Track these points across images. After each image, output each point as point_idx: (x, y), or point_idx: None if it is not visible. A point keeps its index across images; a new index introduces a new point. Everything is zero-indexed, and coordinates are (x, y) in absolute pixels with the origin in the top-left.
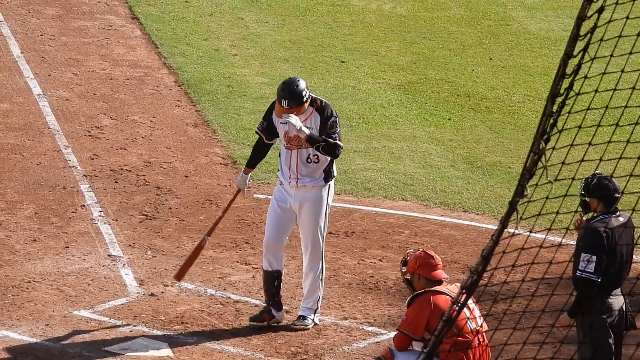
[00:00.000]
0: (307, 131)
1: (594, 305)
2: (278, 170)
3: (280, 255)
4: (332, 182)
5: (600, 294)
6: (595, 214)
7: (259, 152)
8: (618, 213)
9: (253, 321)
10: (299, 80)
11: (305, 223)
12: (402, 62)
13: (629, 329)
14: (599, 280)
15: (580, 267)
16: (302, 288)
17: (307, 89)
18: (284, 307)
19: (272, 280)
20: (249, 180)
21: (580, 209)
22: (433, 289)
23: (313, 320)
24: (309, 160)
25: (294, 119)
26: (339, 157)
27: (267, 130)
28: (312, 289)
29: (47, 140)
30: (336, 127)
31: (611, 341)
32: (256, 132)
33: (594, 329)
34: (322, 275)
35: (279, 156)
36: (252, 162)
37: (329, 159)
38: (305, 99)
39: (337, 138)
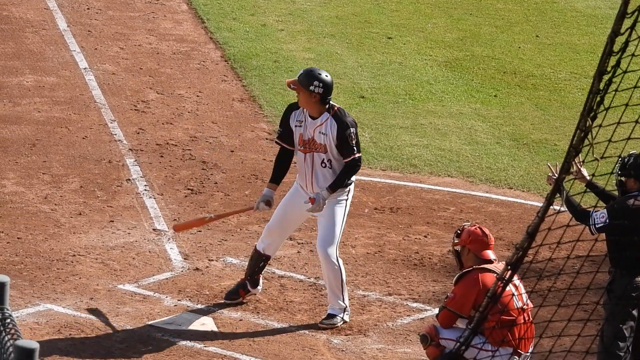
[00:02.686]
0: (326, 195)
1: (623, 285)
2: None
3: (278, 245)
4: (351, 187)
5: (629, 272)
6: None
7: (282, 162)
8: None
9: (228, 299)
10: (324, 75)
11: (322, 224)
12: (449, 39)
13: None
14: (594, 234)
15: (593, 217)
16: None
17: (326, 88)
18: (261, 283)
19: (259, 262)
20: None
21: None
22: (481, 266)
23: (342, 318)
24: (323, 164)
25: (322, 196)
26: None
27: (285, 136)
28: (333, 288)
29: (93, 114)
30: (354, 138)
31: (629, 325)
32: (275, 142)
33: (621, 308)
34: (340, 274)
35: (296, 163)
36: (277, 177)
37: (344, 163)
38: (312, 87)
39: (355, 151)
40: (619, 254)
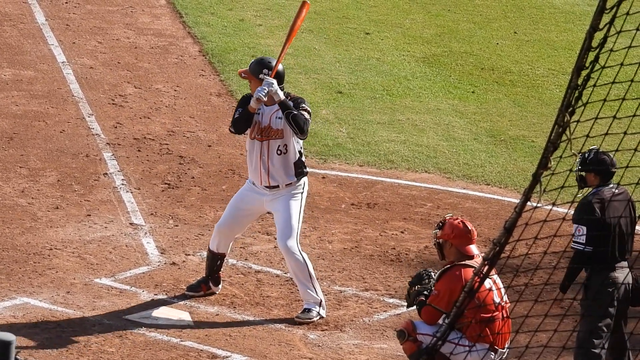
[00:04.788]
0: (281, 95)
1: (599, 279)
2: (249, 171)
3: (229, 242)
4: (305, 180)
5: (604, 268)
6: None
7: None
8: (611, 185)
9: (190, 291)
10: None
11: (279, 219)
12: (427, 35)
13: (636, 305)
14: (591, 250)
15: (574, 240)
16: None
17: (277, 76)
18: (222, 283)
19: (215, 261)
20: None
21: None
22: (463, 262)
23: (318, 313)
24: (279, 151)
25: (270, 81)
26: (306, 137)
27: None
28: (301, 280)
29: (70, 108)
30: (307, 111)
31: (606, 322)
32: (233, 122)
33: (597, 305)
34: (307, 268)
35: (247, 158)
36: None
37: (298, 150)
38: (261, 76)
39: (308, 117)
40: (593, 250)
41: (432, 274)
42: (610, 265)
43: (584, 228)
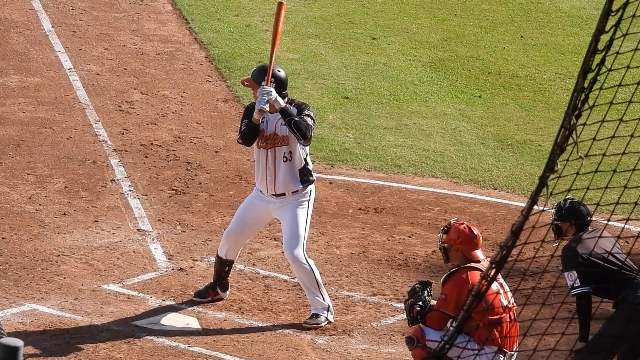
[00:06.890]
0: (282, 103)
1: (628, 297)
2: (255, 179)
3: (237, 249)
4: (312, 187)
5: (632, 287)
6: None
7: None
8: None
9: (197, 296)
10: (277, 70)
11: (286, 227)
12: (433, 39)
13: None
14: (590, 289)
15: (569, 287)
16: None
17: (279, 83)
18: (230, 288)
19: (224, 267)
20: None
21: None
22: (468, 265)
23: (326, 318)
24: (285, 158)
25: (268, 89)
26: (309, 143)
27: None
28: (309, 288)
29: (77, 115)
30: (311, 117)
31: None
32: (240, 135)
33: (614, 319)
34: (314, 275)
35: (255, 166)
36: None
37: (303, 158)
38: (264, 83)
39: (310, 122)
40: (594, 286)
41: (428, 285)
42: (634, 286)
43: (574, 272)
